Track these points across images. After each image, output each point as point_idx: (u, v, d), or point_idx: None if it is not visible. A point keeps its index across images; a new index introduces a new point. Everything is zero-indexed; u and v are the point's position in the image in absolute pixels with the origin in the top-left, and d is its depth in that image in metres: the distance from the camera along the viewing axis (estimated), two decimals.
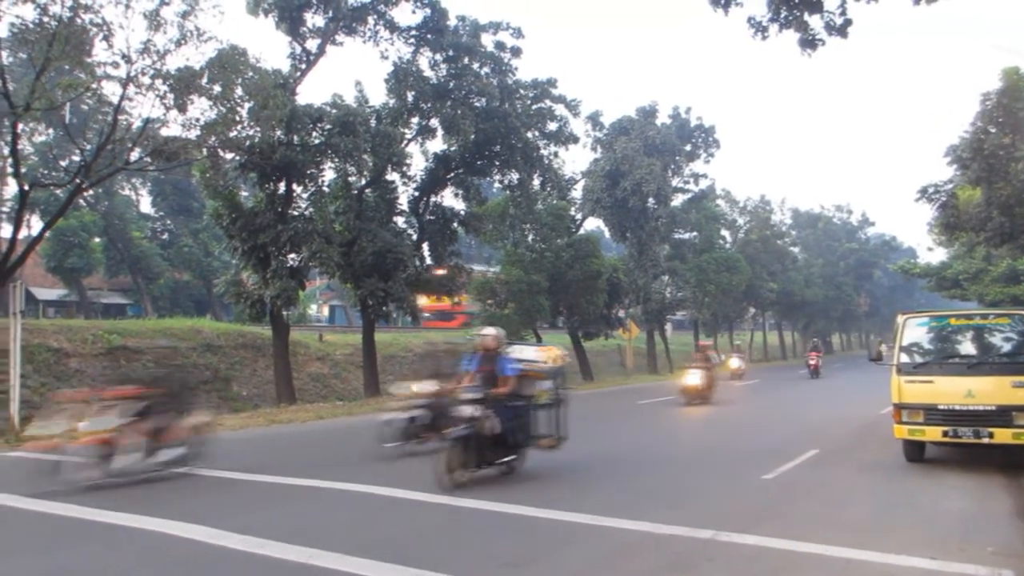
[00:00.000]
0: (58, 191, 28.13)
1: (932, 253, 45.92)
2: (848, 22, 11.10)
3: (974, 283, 37.63)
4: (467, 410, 9.33)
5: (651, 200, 39.24)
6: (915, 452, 11.27)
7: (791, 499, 9.13)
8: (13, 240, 16.98)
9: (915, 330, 11.47)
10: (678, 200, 44.47)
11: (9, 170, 16.97)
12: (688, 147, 43.83)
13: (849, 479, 10.40)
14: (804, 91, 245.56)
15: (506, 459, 10.04)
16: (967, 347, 11.23)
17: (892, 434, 11.18)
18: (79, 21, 15.33)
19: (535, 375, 10.41)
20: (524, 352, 10.79)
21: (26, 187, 17.37)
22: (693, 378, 21.94)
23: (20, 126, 16.61)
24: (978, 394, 10.23)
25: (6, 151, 16.59)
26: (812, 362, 36.72)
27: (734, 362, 35.39)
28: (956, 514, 8.25)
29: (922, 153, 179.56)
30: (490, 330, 10.40)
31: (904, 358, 11.16)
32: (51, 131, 37.42)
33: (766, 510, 8.44)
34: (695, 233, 46.17)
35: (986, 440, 10.16)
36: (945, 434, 10.45)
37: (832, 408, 20.84)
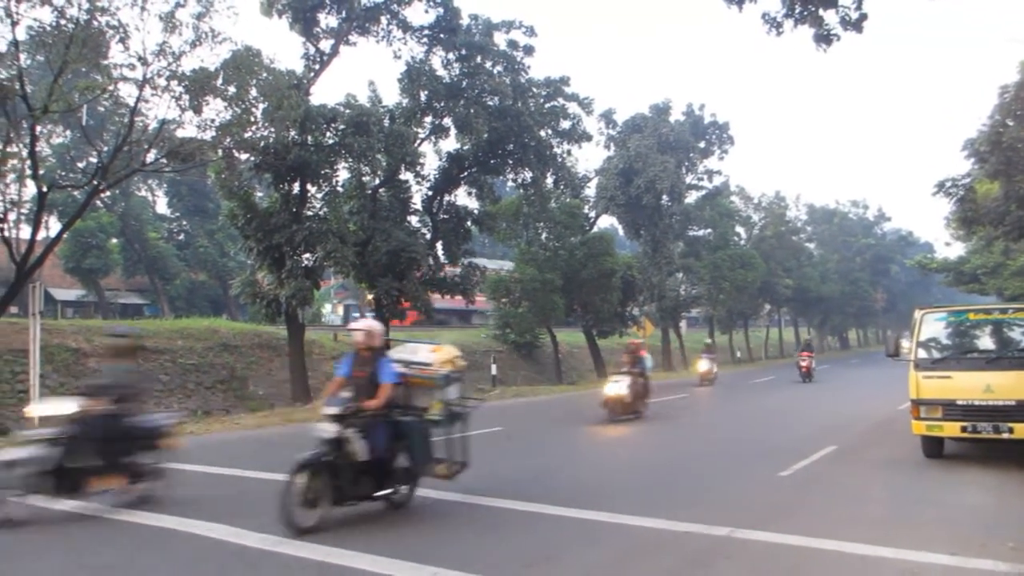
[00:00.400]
0: (76, 193, 28.44)
1: (950, 248, 45.54)
2: (863, 16, 11.04)
3: (992, 278, 37.33)
4: (325, 429, 7.37)
5: (665, 197, 39.16)
6: (933, 448, 11.20)
7: (808, 496, 9.09)
8: (32, 241, 17.16)
9: (933, 325, 11.40)
10: (692, 197, 44.36)
11: (27, 172, 17.09)
12: (702, 144, 43.66)
13: (867, 475, 10.34)
14: (818, 86, 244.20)
15: (386, 492, 7.90)
16: (986, 342, 11.13)
17: (910, 430, 11.11)
18: (96, 23, 15.47)
19: (423, 383, 8.23)
20: (412, 353, 8.51)
21: (44, 189, 17.53)
22: (616, 387, 17.27)
23: (38, 128, 16.76)
24: (997, 389, 10.15)
25: (24, 153, 16.71)
26: (803, 363, 30.95)
27: (703, 364, 30.62)
28: (976, 510, 8.20)
29: (939, 147, 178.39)
30: (364, 324, 8.28)
31: (922, 354, 11.09)
32: (68, 133, 37.73)
33: (783, 507, 8.41)
34: (709, 230, 46.04)
35: (1006, 435, 10.08)
36: (964, 430, 10.38)
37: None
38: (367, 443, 7.45)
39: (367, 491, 7.68)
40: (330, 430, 7.32)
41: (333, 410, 7.40)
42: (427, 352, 8.45)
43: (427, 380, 8.20)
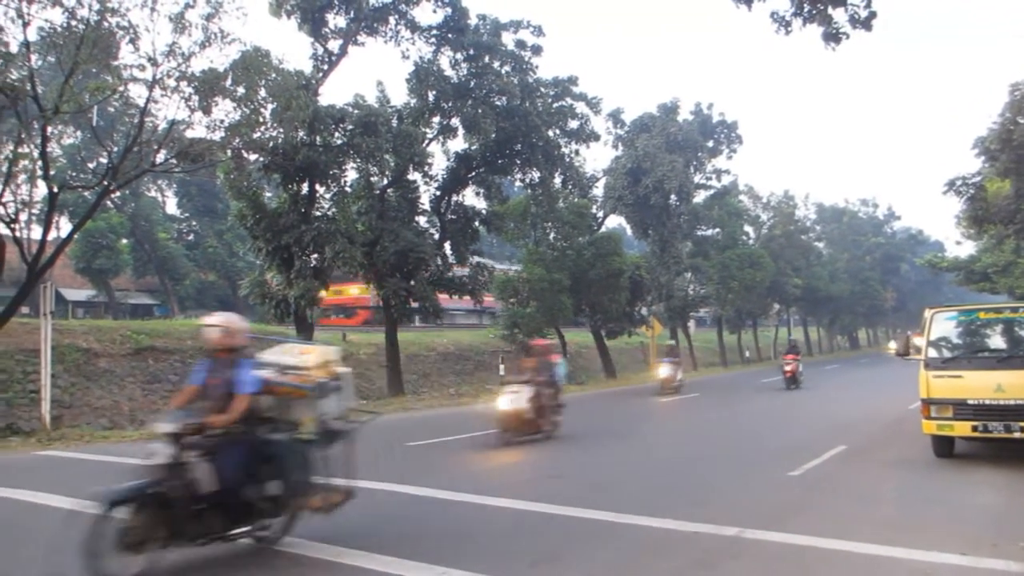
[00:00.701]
0: (86, 193, 28.61)
1: (960, 246, 45.43)
2: (873, 15, 11.00)
3: (1003, 276, 37.20)
4: (157, 451, 5.78)
5: (673, 197, 39.07)
6: (944, 448, 11.14)
7: (818, 496, 9.05)
8: (43, 242, 17.26)
9: (943, 324, 11.34)
10: (700, 196, 44.26)
11: (39, 172, 17.20)
12: (710, 143, 43.57)
13: (877, 475, 10.30)
14: (827, 84, 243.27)
15: (245, 528, 6.39)
16: (996, 341, 11.06)
17: (920, 430, 11.07)
18: (106, 24, 15.55)
19: (292, 392, 6.64)
20: (289, 356, 6.93)
21: (55, 189, 17.64)
22: (511, 401, 13.56)
23: (49, 129, 16.86)
24: (1008, 388, 10.08)
25: (36, 154, 16.82)
26: (787, 367, 27.02)
27: (663, 370, 25.74)
28: (987, 510, 8.16)
29: (949, 145, 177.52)
30: (220, 318, 6.58)
31: (932, 353, 11.04)
32: (79, 134, 37.97)
33: (792, 507, 8.38)
34: (718, 230, 45.97)
35: (1017, 435, 10.01)
36: (975, 429, 10.33)
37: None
38: (216, 469, 5.92)
39: (216, 528, 6.11)
40: (163, 452, 5.75)
41: (168, 427, 5.82)
42: (296, 354, 6.93)
43: (294, 389, 6.63)
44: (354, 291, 38.88)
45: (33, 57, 15.98)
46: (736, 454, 12.61)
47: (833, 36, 11.17)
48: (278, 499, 6.38)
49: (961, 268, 42.46)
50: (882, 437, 14.20)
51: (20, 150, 16.58)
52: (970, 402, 10.36)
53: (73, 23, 15.25)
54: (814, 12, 11.08)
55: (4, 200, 16.34)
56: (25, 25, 14.94)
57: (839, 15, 11.09)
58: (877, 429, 15.37)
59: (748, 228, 52.00)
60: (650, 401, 23.65)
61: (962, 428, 10.48)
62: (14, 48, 15.25)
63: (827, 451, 12.03)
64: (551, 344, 16.38)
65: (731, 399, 24.56)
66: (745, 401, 23.67)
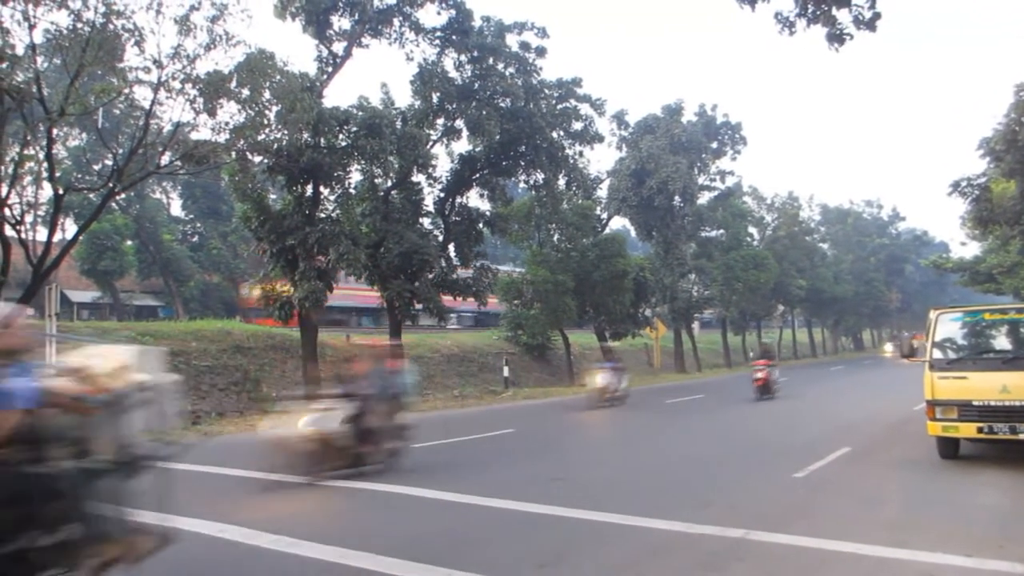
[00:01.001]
0: (91, 195, 28.64)
1: (965, 247, 45.39)
2: (877, 15, 10.98)
3: (1009, 277, 37.13)
4: None
5: (677, 198, 39.11)
6: (949, 449, 11.13)
7: (823, 497, 9.04)
8: (48, 243, 17.28)
9: (948, 326, 11.32)
10: (704, 198, 44.28)
11: (44, 174, 17.25)
12: (714, 144, 43.58)
13: (882, 477, 10.28)
14: (831, 85, 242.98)
15: None
16: (1002, 342, 11.04)
17: (924, 431, 11.05)
18: (111, 27, 15.58)
19: (77, 407, 4.89)
20: (79, 359, 5.35)
21: (60, 191, 17.67)
22: (316, 422, 10.14)
23: (55, 131, 16.89)
24: (1014, 389, 10.06)
25: (41, 155, 16.87)
26: (759, 375, 23.75)
27: (600, 378, 22.01)
28: (992, 511, 8.14)
29: (954, 145, 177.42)
30: None
31: (937, 354, 11.02)
32: (84, 136, 38.10)
33: (797, 509, 8.37)
34: (722, 231, 45.97)
35: (1022, 436, 10.00)
36: (980, 430, 10.31)
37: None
38: None
39: None
40: None
41: None
42: (94, 355, 5.40)
43: (84, 404, 4.93)
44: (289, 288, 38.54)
45: (39, 59, 16.01)
46: (740, 456, 12.59)
47: (837, 37, 11.15)
48: (64, 546, 4.68)
49: (966, 269, 42.38)
50: (886, 438, 14.17)
51: (26, 152, 16.61)
52: (975, 403, 10.34)
53: (79, 25, 15.28)
54: (818, 13, 11.06)
55: (10, 202, 16.37)
56: (31, 27, 14.96)
57: (843, 16, 11.06)
58: (881, 430, 15.35)
59: (752, 229, 52.00)
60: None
61: (967, 429, 10.46)
62: (20, 50, 15.30)
63: (831, 453, 12.01)
64: (390, 346, 12.72)
65: (734, 400, 24.47)
66: (748, 402, 23.59)
